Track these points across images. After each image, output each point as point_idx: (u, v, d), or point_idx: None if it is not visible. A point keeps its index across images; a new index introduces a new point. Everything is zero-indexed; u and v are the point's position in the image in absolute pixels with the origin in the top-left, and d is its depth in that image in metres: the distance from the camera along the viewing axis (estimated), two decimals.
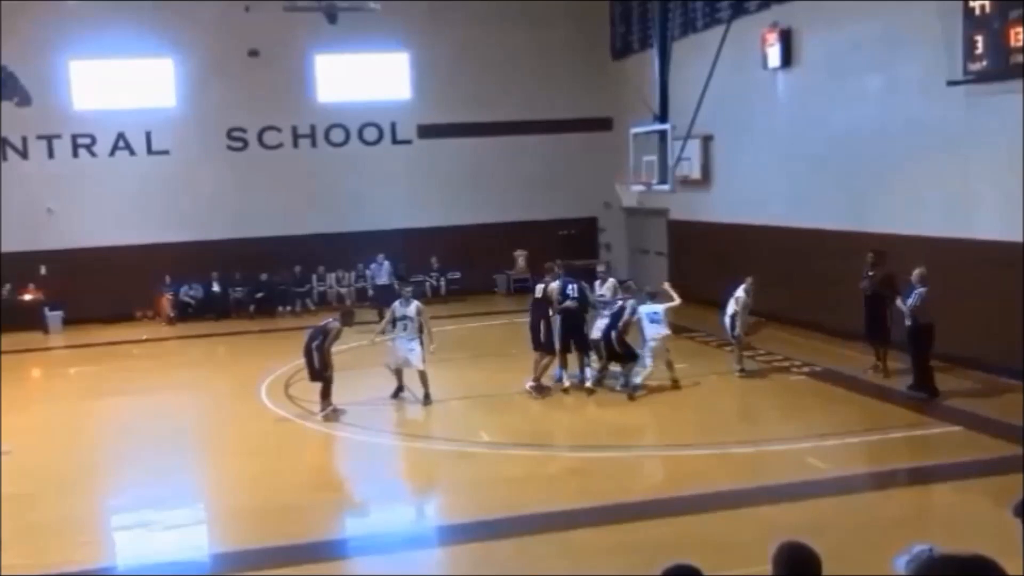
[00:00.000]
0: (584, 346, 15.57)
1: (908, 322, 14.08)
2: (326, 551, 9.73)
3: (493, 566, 8.89)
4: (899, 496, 10.34)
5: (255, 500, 11.10)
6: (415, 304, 15.26)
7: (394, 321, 15.11)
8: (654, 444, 12.94)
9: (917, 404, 13.74)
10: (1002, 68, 14.24)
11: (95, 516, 11.22)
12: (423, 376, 15.06)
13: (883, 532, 8.75)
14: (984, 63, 14.53)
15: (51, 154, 25.76)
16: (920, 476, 10.98)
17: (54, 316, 24.91)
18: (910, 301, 13.99)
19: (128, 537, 10.56)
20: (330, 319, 14.81)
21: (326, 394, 14.35)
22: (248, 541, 9.99)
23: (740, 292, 16.10)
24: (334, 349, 14.50)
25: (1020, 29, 13.79)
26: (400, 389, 15.37)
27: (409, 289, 16.15)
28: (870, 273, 15.48)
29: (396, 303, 15.44)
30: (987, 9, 14.34)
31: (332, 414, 14.25)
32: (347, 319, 14.80)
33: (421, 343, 15.10)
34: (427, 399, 15.02)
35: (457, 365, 18.14)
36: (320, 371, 14.35)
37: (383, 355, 15.54)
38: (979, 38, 14.51)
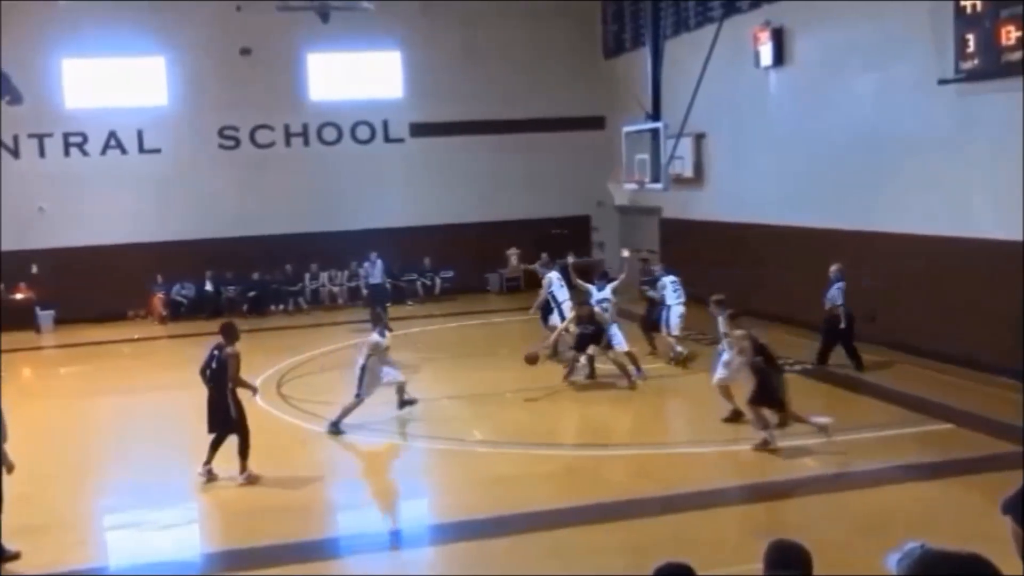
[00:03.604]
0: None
1: (837, 312, 15.72)
2: (317, 551, 9.71)
3: (484, 565, 8.89)
4: (891, 493, 10.35)
5: (245, 500, 11.07)
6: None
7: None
8: (645, 443, 12.91)
9: (909, 402, 13.78)
10: (994, 66, 14.26)
11: (86, 516, 11.18)
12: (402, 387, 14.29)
13: (875, 530, 8.76)
14: (976, 62, 14.54)
15: (42, 153, 25.70)
16: (912, 473, 10.98)
17: (45, 315, 24.84)
18: (832, 294, 15.69)
19: (119, 537, 10.53)
20: (221, 343, 11.70)
21: (245, 451, 11.55)
22: (239, 541, 9.97)
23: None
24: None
25: (1012, 28, 13.80)
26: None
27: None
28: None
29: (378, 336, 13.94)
30: (979, 8, 14.35)
31: (252, 478, 11.54)
32: (228, 334, 11.76)
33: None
34: (405, 404, 14.29)
35: (449, 364, 18.13)
36: (236, 418, 11.56)
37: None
38: (971, 37, 14.53)
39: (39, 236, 25.04)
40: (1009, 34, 13.84)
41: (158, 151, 26.39)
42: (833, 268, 15.94)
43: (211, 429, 11.59)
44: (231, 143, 27.02)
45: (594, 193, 27.64)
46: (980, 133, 15.02)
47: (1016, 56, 13.80)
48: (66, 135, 25.85)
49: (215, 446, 11.61)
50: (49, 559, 9.28)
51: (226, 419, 11.50)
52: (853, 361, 16.03)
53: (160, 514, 10.91)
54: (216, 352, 11.64)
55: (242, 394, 11.76)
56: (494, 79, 27.84)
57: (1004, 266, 14.49)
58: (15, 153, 25.49)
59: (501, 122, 28.07)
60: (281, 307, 26.27)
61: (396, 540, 10.05)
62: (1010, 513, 2.87)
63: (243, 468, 11.50)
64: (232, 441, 11.56)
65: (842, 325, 15.83)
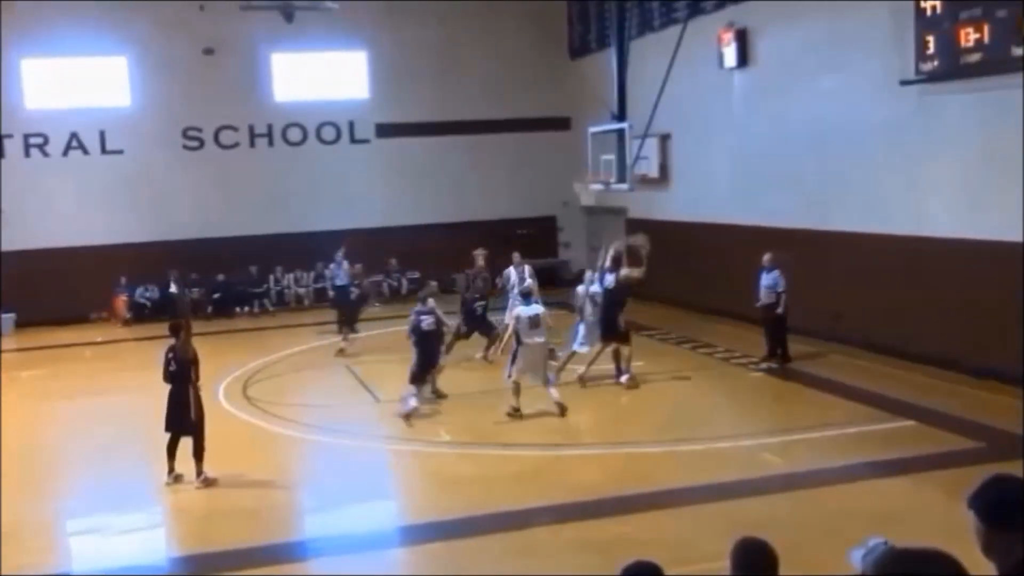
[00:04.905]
0: None
1: (777, 301, 16.13)
2: (285, 553, 9.67)
3: (453, 566, 8.89)
4: (855, 491, 10.45)
5: (212, 503, 11.01)
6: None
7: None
8: (613, 442, 12.96)
9: (872, 399, 13.93)
10: (954, 68, 14.43)
11: (50, 520, 11.03)
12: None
13: (839, 527, 8.83)
14: (936, 63, 14.71)
15: (2, 154, 25.33)
16: (877, 470, 11.09)
17: (7, 319, 24.50)
18: (776, 284, 16.08)
19: (83, 541, 10.41)
20: (174, 344, 11.59)
21: (200, 453, 11.44)
22: (205, 544, 9.91)
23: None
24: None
25: (970, 29, 13.98)
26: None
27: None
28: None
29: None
30: (938, 9, 14.52)
31: (208, 480, 11.40)
32: (179, 333, 11.66)
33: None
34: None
35: None
36: (195, 419, 11.41)
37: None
38: (931, 38, 14.69)
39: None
40: (968, 36, 14.01)
41: (121, 152, 26.10)
42: (766, 257, 16.39)
43: (168, 428, 11.46)
44: (195, 144, 26.79)
45: (560, 193, 27.63)
46: (940, 134, 15.20)
47: (975, 58, 13.99)
48: (26, 136, 25.49)
49: (172, 451, 11.48)
50: (11, 564, 9.15)
51: (183, 419, 11.36)
52: (781, 351, 16.53)
53: (123, 518, 10.82)
54: (170, 354, 11.50)
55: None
56: (460, 80, 27.81)
57: (965, 265, 14.68)
58: None
59: (467, 123, 28.04)
60: (246, 309, 26.10)
61: (363, 542, 10.01)
62: (973, 508, 2.90)
63: (199, 471, 11.37)
64: (188, 443, 11.44)
65: (779, 310, 16.22)
